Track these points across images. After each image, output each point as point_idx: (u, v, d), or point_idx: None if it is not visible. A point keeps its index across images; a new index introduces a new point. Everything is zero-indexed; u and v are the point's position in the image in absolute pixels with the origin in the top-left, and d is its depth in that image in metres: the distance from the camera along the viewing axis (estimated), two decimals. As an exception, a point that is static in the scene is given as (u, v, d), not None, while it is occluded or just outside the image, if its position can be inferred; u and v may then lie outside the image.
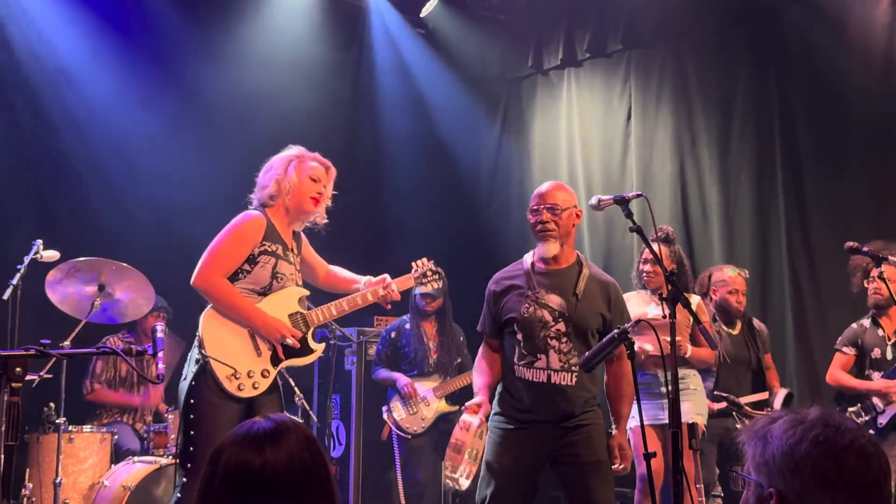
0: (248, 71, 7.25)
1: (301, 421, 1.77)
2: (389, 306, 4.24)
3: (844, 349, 5.50)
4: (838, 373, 5.50)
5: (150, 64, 6.80)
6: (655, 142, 7.39)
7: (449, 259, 6.62)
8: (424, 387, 6.22)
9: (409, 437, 6.19)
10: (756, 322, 5.89)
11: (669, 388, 3.16)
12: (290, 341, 3.93)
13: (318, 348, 4.09)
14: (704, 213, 7.13)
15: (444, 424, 6.17)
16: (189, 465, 3.75)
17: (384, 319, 6.81)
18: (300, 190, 4.04)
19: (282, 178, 4.03)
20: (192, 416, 3.78)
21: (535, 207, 3.88)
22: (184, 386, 3.85)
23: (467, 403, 3.83)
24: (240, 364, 3.85)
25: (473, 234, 8.12)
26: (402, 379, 6.19)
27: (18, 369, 2.39)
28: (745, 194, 6.96)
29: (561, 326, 3.81)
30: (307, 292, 4.16)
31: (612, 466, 3.81)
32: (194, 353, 3.89)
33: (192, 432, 3.77)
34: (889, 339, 5.37)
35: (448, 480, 3.77)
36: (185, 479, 3.74)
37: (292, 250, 4.11)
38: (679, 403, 3.15)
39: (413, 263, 4.34)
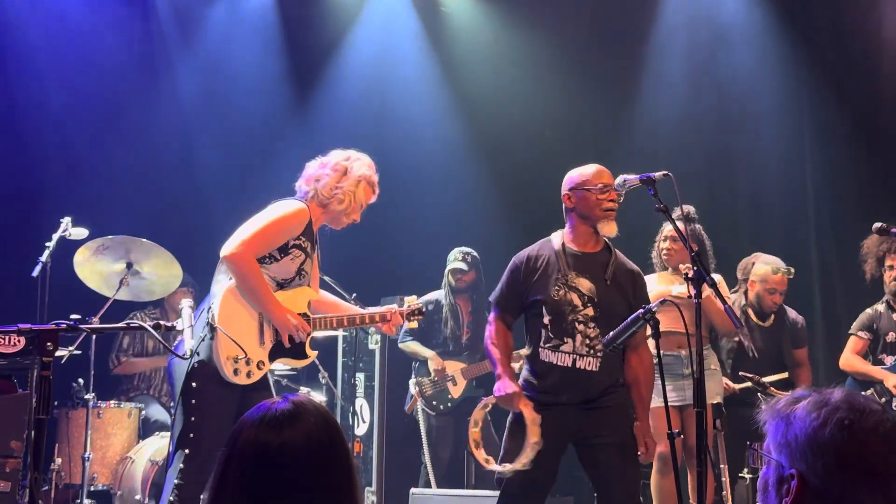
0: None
1: (319, 402, 1.76)
2: (384, 328, 4.16)
3: (860, 333, 5.48)
4: (852, 357, 5.48)
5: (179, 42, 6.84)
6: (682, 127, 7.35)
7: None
8: (455, 366, 6.22)
9: (434, 414, 6.19)
10: (792, 313, 5.67)
11: (693, 367, 3.15)
12: (300, 337, 3.89)
13: (312, 354, 4.05)
14: (732, 198, 7.08)
15: (467, 405, 6.17)
16: (188, 450, 3.68)
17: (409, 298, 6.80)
18: (354, 212, 4.02)
19: (350, 194, 3.97)
20: (193, 401, 3.70)
21: (605, 185, 3.79)
22: (182, 365, 3.72)
23: (507, 391, 3.74)
24: (246, 347, 3.76)
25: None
26: (435, 358, 6.18)
27: (49, 344, 2.43)
28: (771, 178, 6.91)
29: (589, 311, 3.78)
30: (317, 296, 4.14)
31: (638, 454, 3.79)
32: (199, 329, 3.73)
33: (192, 417, 3.69)
34: None
35: (514, 466, 3.71)
36: (182, 465, 3.67)
37: (316, 250, 4.08)
38: (703, 383, 3.15)
39: (406, 299, 4.34)
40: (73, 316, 2.48)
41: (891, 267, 5.32)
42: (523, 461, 3.66)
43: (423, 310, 4.38)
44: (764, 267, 5.45)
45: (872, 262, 5.48)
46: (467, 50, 7.61)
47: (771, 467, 1.62)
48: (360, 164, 4.04)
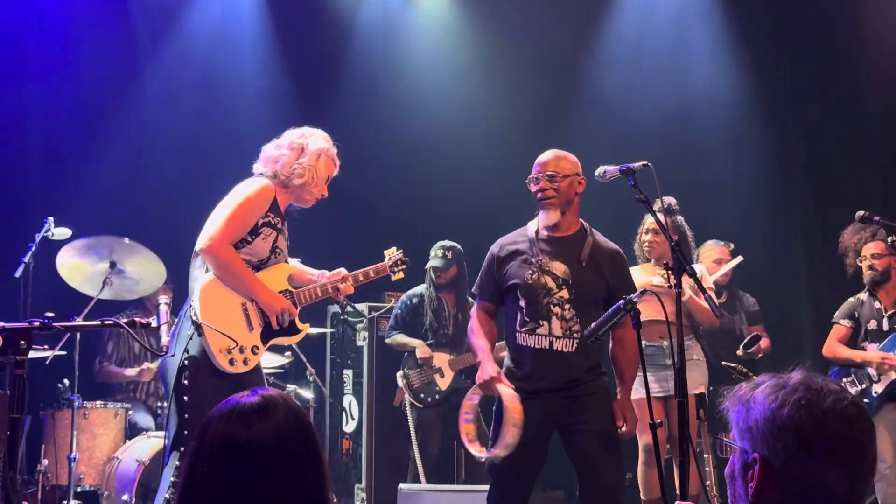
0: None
1: (289, 395, 1.75)
2: (341, 295, 4.13)
3: (842, 322, 5.53)
4: (834, 344, 5.53)
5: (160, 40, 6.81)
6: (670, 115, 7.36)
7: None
8: (442, 358, 6.21)
9: (422, 406, 6.18)
10: (747, 296, 6.12)
11: (674, 356, 3.15)
12: (287, 318, 3.89)
13: (305, 328, 4.05)
14: (720, 187, 7.10)
15: (455, 398, 6.16)
16: (184, 448, 3.65)
17: (396, 294, 6.79)
18: (316, 186, 4.01)
19: (310, 169, 3.96)
20: (185, 398, 3.69)
21: (535, 175, 3.90)
22: (172, 363, 3.72)
23: (485, 376, 3.79)
24: (236, 336, 3.76)
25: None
26: (421, 346, 6.17)
27: (23, 342, 2.41)
28: (758, 167, 6.93)
29: (564, 293, 3.82)
30: (295, 269, 4.11)
31: (618, 430, 3.82)
32: (185, 328, 3.76)
33: (186, 415, 3.68)
34: (886, 311, 5.39)
35: (503, 451, 3.71)
36: (178, 464, 3.65)
37: (286, 226, 4.06)
38: (685, 373, 3.15)
39: (385, 252, 4.33)
40: (48, 314, 2.46)
41: (866, 257, 5.38)
42: (508, 442, 3.67)
43: (407, 259, 4.38)
44: (707, 243, 5.98)
45: (852, 256, 5.52)
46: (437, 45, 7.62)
47: (736, 455, 1.63)
48: (316, 138, 4.05)
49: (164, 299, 2.92)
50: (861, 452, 1.54)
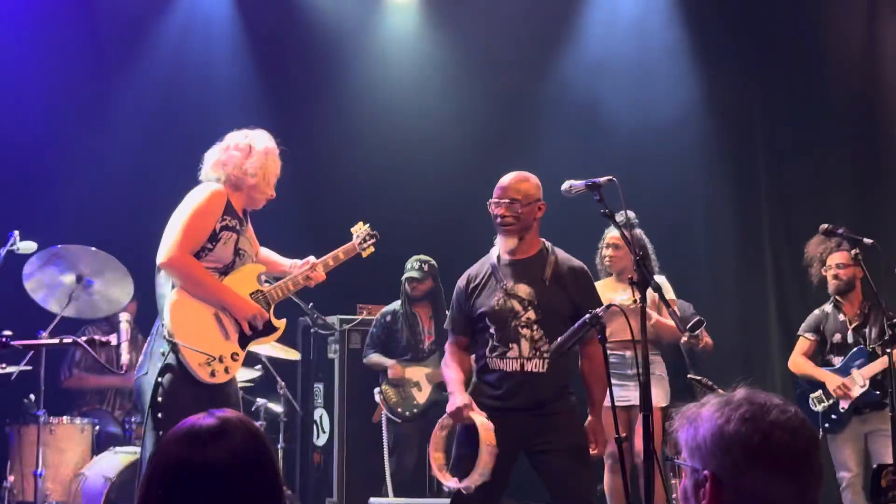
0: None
1: (247, 417, 1.74)
2: (313, 283, 4.14)
3: (807, 335, 5.56)
4: (799, 359, 5.56)
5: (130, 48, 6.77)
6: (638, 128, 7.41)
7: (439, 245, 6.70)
8: (419, 372, 6.21)
9: (400, 421, 6.17)
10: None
11: (639, 370, 3.17)
12: (260, 322, 3.88)
13: (281, 325, 4.04)
14: (688, 196, 7.16)
15: (433, 412, 6.15)
16: None
17: (367, 308, 6.79)
18: (268, 186, 4.01)
19: (260, 168, 3.95)
20: (160, 415, 3.63)
21: (496, 200, 3.87)
22: (146, 382, 3.68)
23: (457, 404, 3.75)
24: (213, 349, 3.75)
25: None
26: (393, 367, 6.16)
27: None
28: (727, 177, 7.00)
29: (531, 314, 3.82)
30: (263, 268, 4.10)
31: (590, 451, 3.82)
32: (157, 345, 3.73)
33: (160, 432, 3.62)
34: (850, 324, 5.42)
35: (478, 481, 3.66)
36: None
37: (245, 226, 4.03)
38: (650, 387, 3.17)
39: (351, 230, 4.30)
40: (5, 332, 2.43)
41: (831, 266, 5.41)
42: (482, 471, 3.63)
43: (376, 233, 4.36)
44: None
45: (817, 266, 5.55)
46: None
47: (687, 475, 1.65)
48: (261, 137, 4.05)
49: (124, 316, 2.89)
50: (808, 462, 1.56)
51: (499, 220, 3.85)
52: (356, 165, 7.32)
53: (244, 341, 3.90)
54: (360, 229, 4.29)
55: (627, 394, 4.96)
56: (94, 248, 5.33)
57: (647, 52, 7.28)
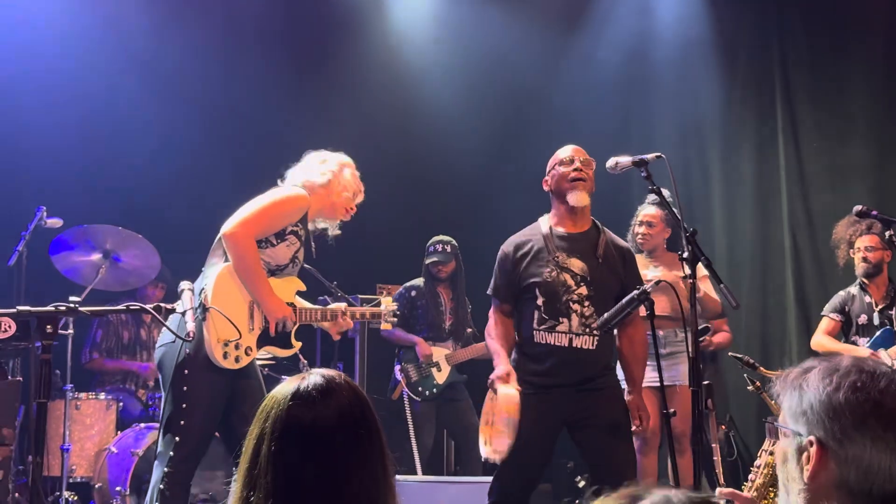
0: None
1: (347, 375, 1.75)
2: (340, 327, 4.15)
3: (831, 315, 5.57)
4: (823, 338, 5.57)
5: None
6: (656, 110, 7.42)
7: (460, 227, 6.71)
8: (439, 352, 6.23)
9: (420, 400, 6.19)
10: None
11: (689, 347, 3.18)
12: (289, 326, 3.89)
13: (297, 345, 4.06)
14: (706, 179, 7.16)
15: (450, 392, 6.18)
16: (178, 437, 3.63)
17: (387, 287, 6.80)
18: (346, 195, 4.04)
19: (337, 176, 4.02)
20: (185, 388, 3.64)
21: (570, 158, 3.87)
22: (171, 351, 3.66)
23: (497, 373, 3.76)
24: (238, 331, 3.72)
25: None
26: (421, 344, 6.18)
27: (49, 327, 2.39)
28: (746, 160, 7.00)
29: (583, 290, 3.81)
30: (304, 287, 4.12)
31: (632, 428, 3.83)
32: (189, 314, 3.61)
33: (183, 405, 3.64)
34: (876, 306, 5.44)
35: (495, 455, 3.69)
36: (172, 453, 3.62)
37: (309, 241, 4.09)
38: (699, 362, 3.18)
39: (381, 300, 4.39)
40: (73, 298, 2.44)
41: (860, 249, 5.43)
42: (496, 444, 3.64)
43: (398, 313, 4.52)
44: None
45: (844, 248, 5.57)
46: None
47: (788, 440, 1.66)
48: (337, 155, 4.12)
49: (186, 285, 2.89)
50: None
51: (575, 173, 3.82)
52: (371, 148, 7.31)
53: (261, 342, 3.91)
54: (388, 305, 4.35)
55: (656, 375, 4.96)
56: (119, 228, 5.36)
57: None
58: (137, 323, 6.19)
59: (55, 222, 5.27)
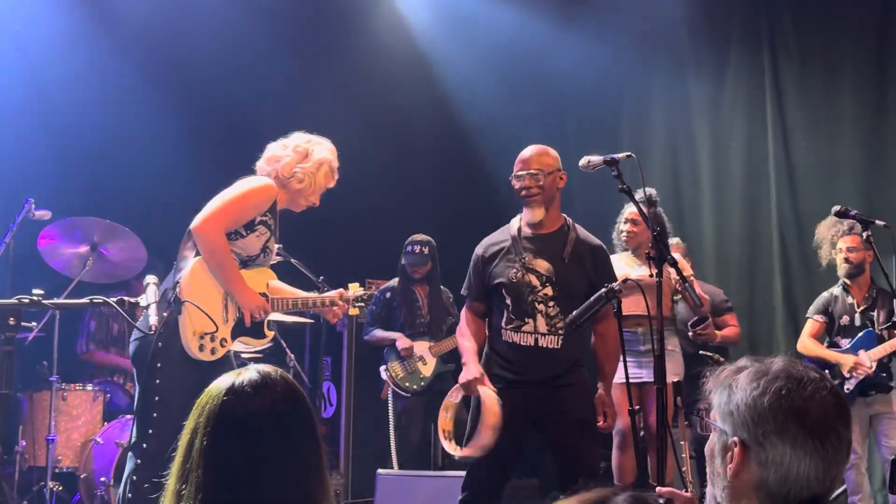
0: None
1: (286, 373, 1.78)
2: (335, 319, 4.18)
3: (816, 317, 5.61)
4: (808, 340, 5.61)
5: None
6: (647, 108, 7.42)
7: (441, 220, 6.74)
8: (421, 346, 6.26)
9: (408, 395, 6.22)
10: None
11: (654, 344, 3.20)
12: (262, 316, 3.90)
13: (269, 335, 4.06)
14: (695, 178, 7.17)
15: (438, 384, 6.20)
16: (150, 430, 3.61)
17: (376, 283, 6.81)
18: (313, 194, 4.02)
19: (310, 175, 3.97)
20: (157, 381, 3.64)
21: (519, 173, 3.90)
22: (144, 345, 3.64)
23: (468, 377, 3.81)
24: (213, 324, 3.74)
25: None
26: (401, 338, 6.21)
27: (12, 320, 2.42)
28: (735, 160, 7.01)
29: (548, 290, 3.85)
30: (275, 276, 4.13)
31: (598, 424, 3.86)
32: (161, 308, 3.62)
33: (156, 397, 3.64)
34: (858, 307, 5.46)
35: (475, 452, 3.73)
36: (144, 445, 3.62)
37: (278, 229, 4.06)
38: (664, 361, 3.20)
39: (350, 286, 4.30)
40: (36, 291, 2.47)
41: (841, 250, 5.44)
42: (482, 444, 3.69)
43: (366, 296, 4.41)
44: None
45: (826, 248, 5.58)
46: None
47: (716, 435, 1.69)
48: (322, 147, 4.05)
49: (151, 279, 2.92)
50: (837, 440, 1.59)
51: (524, 192, 3.88)
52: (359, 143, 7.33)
53: (235, 333, 3.92)
54: (356, 290, 4.27)
55: (640, 371, 4.99)
56: (107, 221, 5.39)
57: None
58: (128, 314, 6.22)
59: (43, 214, 5.29)
